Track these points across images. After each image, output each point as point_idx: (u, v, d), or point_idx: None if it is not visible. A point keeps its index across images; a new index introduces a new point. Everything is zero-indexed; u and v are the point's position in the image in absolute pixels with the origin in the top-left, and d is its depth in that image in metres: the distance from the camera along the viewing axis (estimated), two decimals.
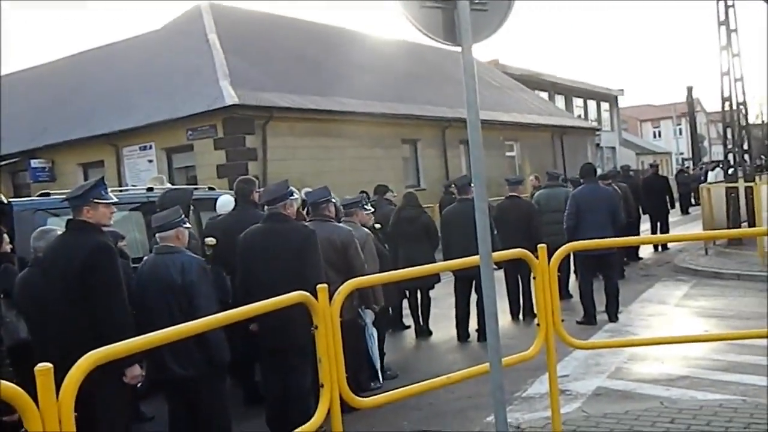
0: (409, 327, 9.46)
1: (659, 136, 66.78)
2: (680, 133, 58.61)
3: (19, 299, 4.82)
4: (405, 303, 9.47)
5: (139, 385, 4.45)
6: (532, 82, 37.28)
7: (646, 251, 15.44)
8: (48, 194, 7.42)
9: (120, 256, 4.71)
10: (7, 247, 5.45)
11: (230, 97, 17.26)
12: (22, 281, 4.82)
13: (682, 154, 55.52)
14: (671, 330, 8.30)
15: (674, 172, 39.77)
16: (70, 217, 4.50)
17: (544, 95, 38.13)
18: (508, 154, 28.49)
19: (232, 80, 18.01)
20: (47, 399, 2.36)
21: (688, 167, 36.83)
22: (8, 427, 3.61)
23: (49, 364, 2.39)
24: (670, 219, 16.87)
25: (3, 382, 2.35)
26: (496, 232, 8.03)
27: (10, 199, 6.99)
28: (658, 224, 16.21)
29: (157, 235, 4.93)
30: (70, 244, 4.35)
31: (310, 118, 19.07)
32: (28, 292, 4.68)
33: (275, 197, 5.57)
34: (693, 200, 26.99)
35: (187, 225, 5.05)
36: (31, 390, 2.36)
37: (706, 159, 42.03)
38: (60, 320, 4.26)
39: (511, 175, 14.46)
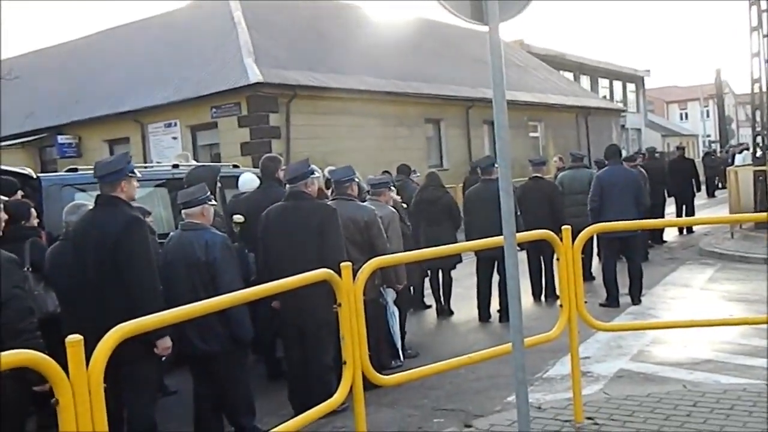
0: (430, 307, 9.48)
1: (686, 118, 65.79)
2: (707, 116, 57.70)
3: (50, 272, 4.90)
4: (427, 283, 9.49)
5: (164, 359, 4.51)
6: (557, 62, 36.91)
7: (670, 234, 15.29)
8: (75, 170, 7.48)
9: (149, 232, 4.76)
10: (35, 222, 5.53)
11: (255, 75, 17.28)
12: (53, 254, 4.89)
13: (709, 136, 54.70)
14: (695, 313, 8.21)
15: (701, 154, 39.24)
16: (99, 192, 4.53)
17: (569, 76, 37.74)
18: (531, 134, 28.29)
19: (257, 58, 18.02)
20: (77, 370, 2.41)
21: (715, 150, 36.29)
22: (39, 396, 3.68)
23: (80, 336, 2.43)
24: (696, 202, 16.67)
25: (35, 352, 2.41)
26: (519, 213, 7.99)
27: (38, 174, 7.06)
28: (684, 207, 16.03)
29: (182, 211, 4.98)
30: (104, 218, 4.38)
31: (334, 97, 19.04)
32: (59, 265, 4.75)
33: (296, 175, 5.59)
34: (720, 183, 26.62)
35: (213, 202, 5.09)
36: (60, 361, 2.41)
37: (733, 142, 41.34)
38: (91, 292, 4.32)
39: (534, 155, 14.32)
